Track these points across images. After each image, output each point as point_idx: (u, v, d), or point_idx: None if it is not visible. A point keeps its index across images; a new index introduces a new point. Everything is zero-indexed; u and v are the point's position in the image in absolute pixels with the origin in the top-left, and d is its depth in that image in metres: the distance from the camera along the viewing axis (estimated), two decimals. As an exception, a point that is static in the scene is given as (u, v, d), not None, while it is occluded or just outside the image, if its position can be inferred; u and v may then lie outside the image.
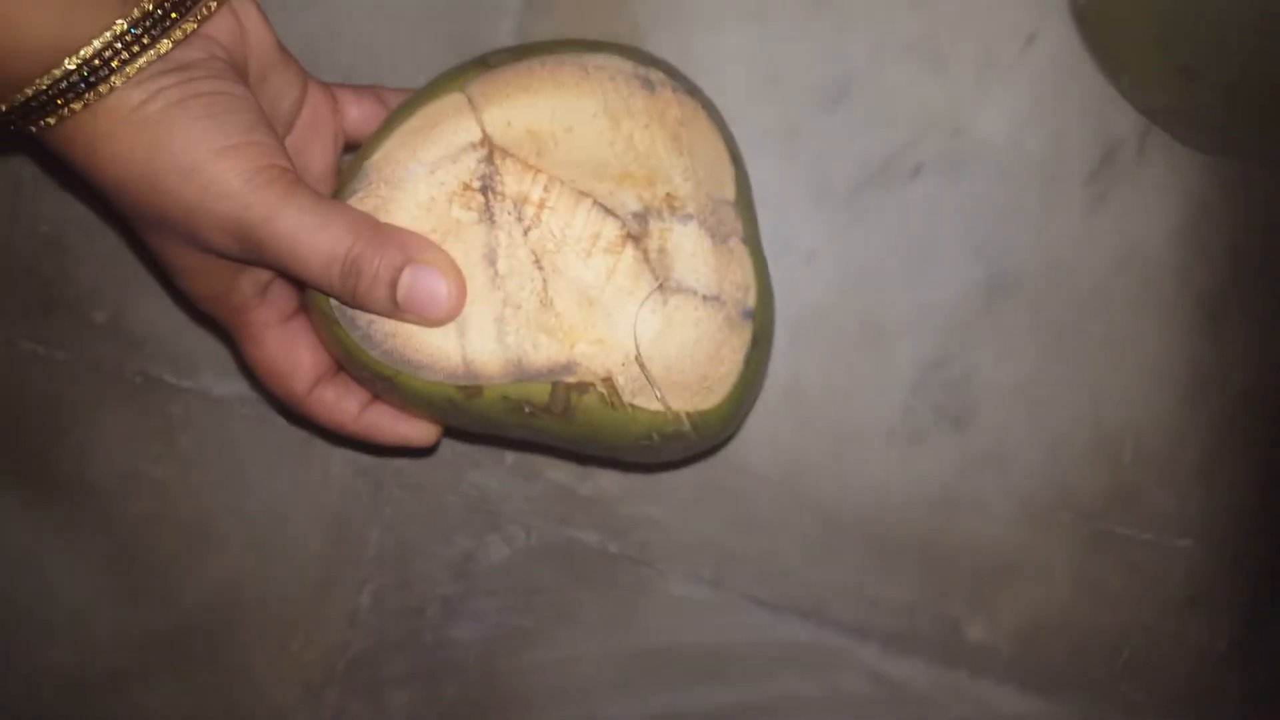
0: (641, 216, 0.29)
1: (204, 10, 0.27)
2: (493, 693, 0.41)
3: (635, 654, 0.41)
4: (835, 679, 0.41)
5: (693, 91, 0.30)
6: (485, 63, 0.29)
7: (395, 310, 0.28)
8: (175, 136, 0.26)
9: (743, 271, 0.29)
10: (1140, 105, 0.41)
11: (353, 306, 0.28)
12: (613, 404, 0.28)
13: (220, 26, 0.28)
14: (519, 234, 0.28)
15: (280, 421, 0.41)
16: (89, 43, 0.25)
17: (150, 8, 0.26)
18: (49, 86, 0.25)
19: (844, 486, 0.41)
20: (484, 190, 0.28)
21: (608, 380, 0.28)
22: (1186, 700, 0.41)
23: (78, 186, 0.34)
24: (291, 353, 0.31)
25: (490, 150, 0.28)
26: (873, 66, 0.40)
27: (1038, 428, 0.41)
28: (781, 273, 0.40)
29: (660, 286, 0.29)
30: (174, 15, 0.26)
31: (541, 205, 0.28)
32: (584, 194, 0.28)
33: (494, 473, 0.41)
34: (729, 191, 0.29)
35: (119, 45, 0.25)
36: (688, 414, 0.29)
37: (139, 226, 0.29)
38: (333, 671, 0.41)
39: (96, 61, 0.25)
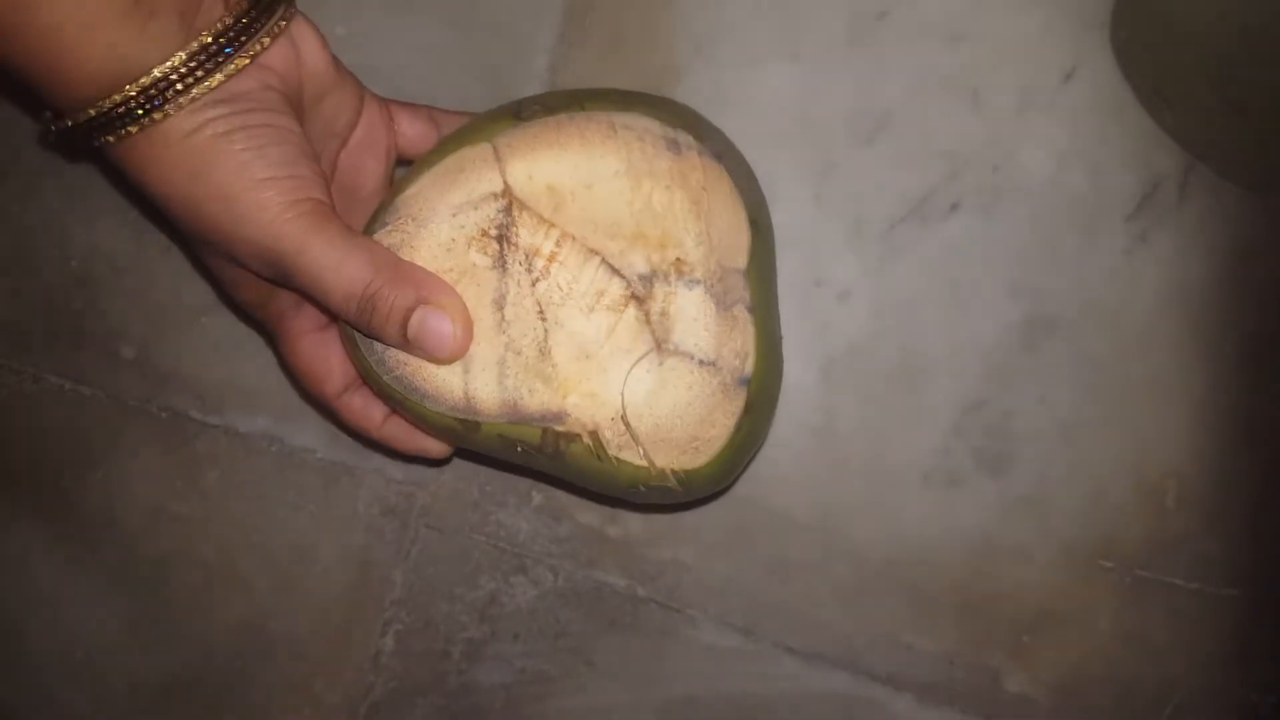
0: (648, 279, 0.29)
1: (258, 45, 0.28)
2: (517, 739, 0.40)
3: (662, 703, 0.40)
4: (869, 731, 0.40)
5: (721, 154, 0.30)
6: (519, 114, 0.30)
7: (405, 344, 0.29)
8: (218, 167, 0.28)
9: (743, 339, 0.30)
10: (1184, 141, 0.40)
11: (368, 336, 0.30)
12: (598, 455, 0.30)
13: (275, 56, 0.29)
14: (527, 284, 0.30)
15: (306, 459, 0.40)
16: (148, 72, 0.27)
17: (208, 41, 0.27)
18: (109, 109, 0.27)
19: (879, 531, 0.40)
20: (499, 239, 0.30)
21: (594, 433, 0.29)
22: (1234, 756, 0.40)
23: (135, 197, 0.35)
24: (324, 360, 0.33)
25: (509, 201, 0.29)
26: (909, 102, 0.40)
27: (1078, 472, 0.40)
28: (815, 310, 0.40)
29: (657, 348, 0.29)
30: (229, 50, 0.28)
31: (551, 258, 0.29)
32: (594, 251, 0.29)
33: (521, 514, 0.40)
34: (741, 260, 0.30)
35: (175, 77, 0.27)
36: (674, 471, 0.30)
37: (187, 238, 0.31)
38: (355, 714, 0.40)
39: (153, 90, 0.27)
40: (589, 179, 0.29)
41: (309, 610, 0.40)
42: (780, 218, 0.40)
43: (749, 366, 0.30)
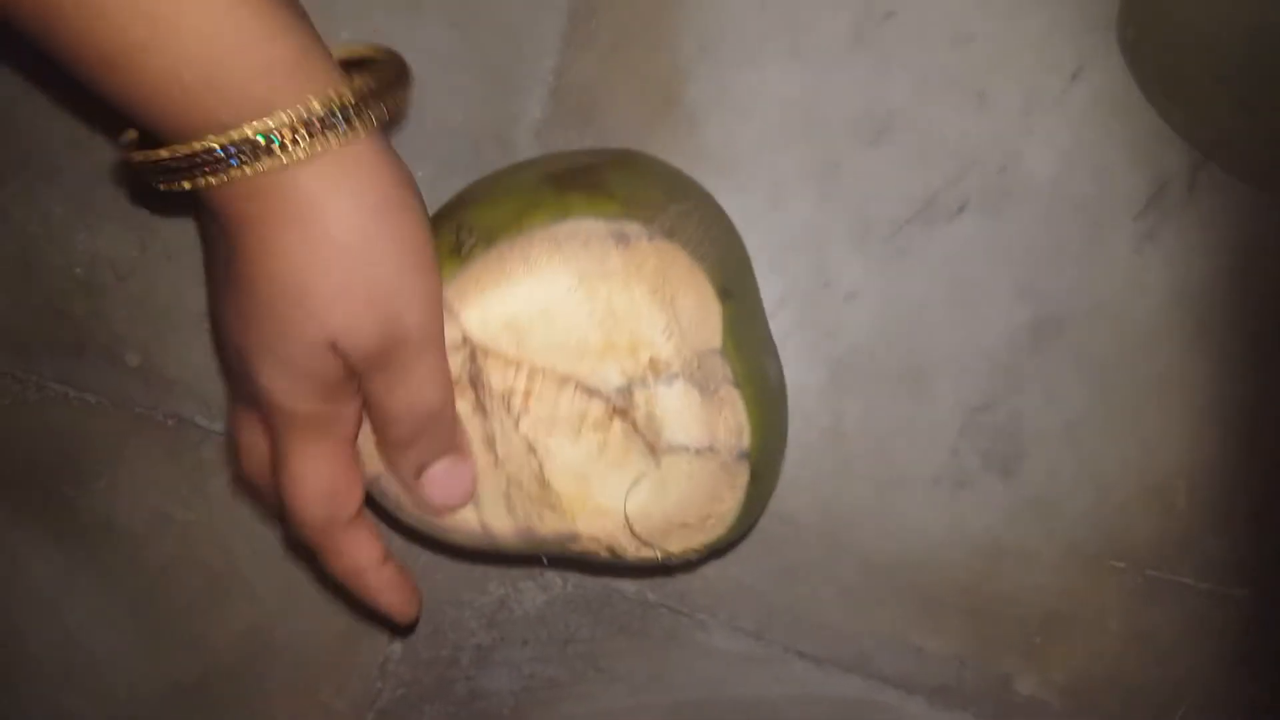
0: (626, 390, 0.29)
1: (398, 107, 0.27)
2: (526, 745, 0.40)
3: (672, 707, 0.40)
4: (880, 734, 0.39)
5: (672, 230, 0.28)
6: (458, 251, 0.29)
7: (420, 476, 0.29)
8: (379, 238, 0.26)
9: (735, 416, 0.29)
10: (1193, 139, 0.40)
11: (383, 455, 0.29)
12: (618, 559, 0.31)
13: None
14: (510, 424, 0.29)
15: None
16: (295, 107, 0.24)
17: (364, 90, 0.25)
18: (241, 140, 0.24)
19: (887, 534, 0.40)
20: (473, 385, 0.29)
21: (610, 547, 0.30)
22: (1245, 757, 0.40)
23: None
24: (346, 474, 0.29)
25: (472, 349, 0.29)
26: (915, 103, 0.40)
27: (1086, 473, 0.40)
28: (821, 312, 0.39)
29: (651, 451, 0.29)
30: (384, 107, 0.26)
31: (528, 394, 0.29)
32: (567, 377, 0.29)
33: (528, 518, 0.40)
34: (715, 339, 0.29)
35: (329, 118, 0.24)
36: (692, 549, 0.31)
37: (258, 300, 0.26)
38: (363, 721, 0.40)
39: (303, 128, 0.24)
40: (544, 303, 0.28)
41: (315, 616, 0.40)
42: (786, 219, 0.40)
43: (746, 439, 0.29)
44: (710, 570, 0.39)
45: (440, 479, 0.29)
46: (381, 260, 0.26)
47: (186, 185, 0.25)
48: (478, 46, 0.40)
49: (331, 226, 0.25)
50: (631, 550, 0.30)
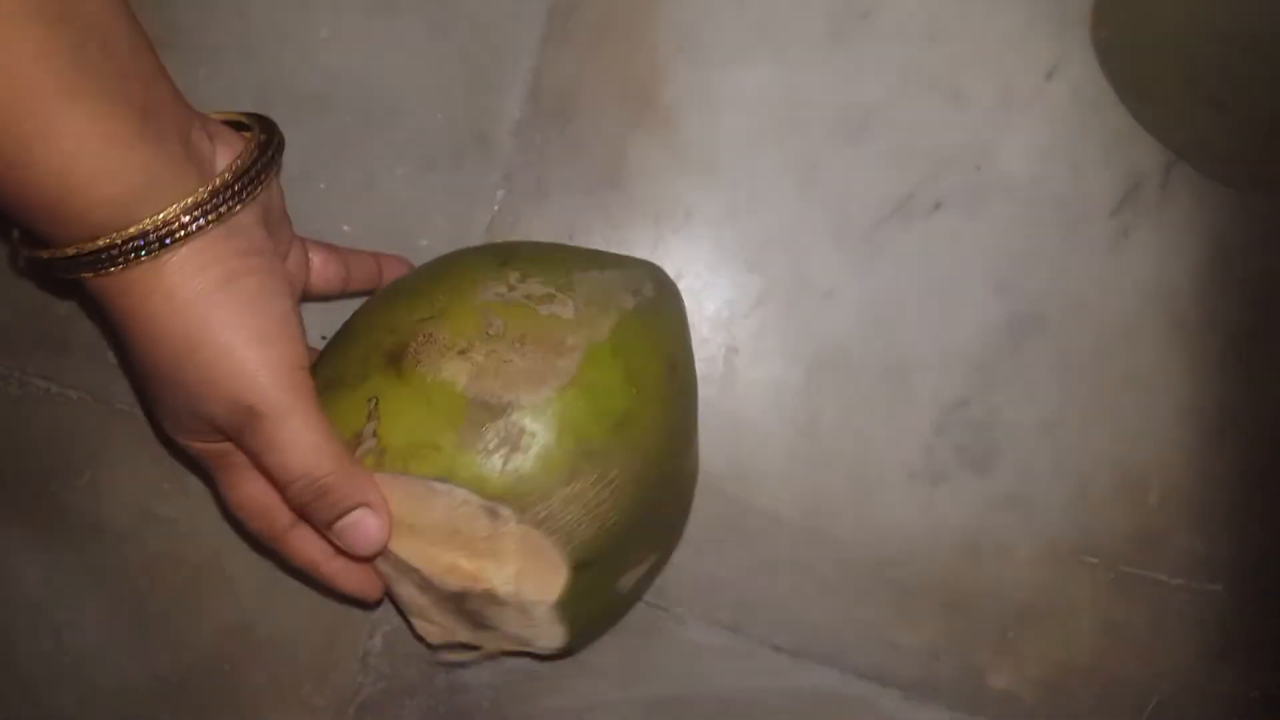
0: (460, 595, 0.32)
1: (264, 178, 0.29)
2: (506, 738, 0.40)
3: (650, 701, 0.40)
4: (855, 727, 0.40)
5: (543, 521, 0.30)
6: (359, 443, 0.31)
7: (328, 532, 0.30)
8: (216, 318, 0.27)
9: (554, 634, 0.32)
10: (1165, 138, 0.40)
11: (296, 512, 0.31)
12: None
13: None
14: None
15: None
16: (162, 209, 0.26)
17: (228, 179, 0.27)
18: (107, 246, 0.26)
19: (864, 529, 0.40)
20: None
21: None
22: (1217, 749, 0.40)
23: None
24: (270, 494, 0.32)
25: None
26: (892, 101, 0.40)
27: (1062, 469, 0.40)
28: (800, 309, 0.40)
29: (474, 625, 0.33)
30: (245, 189, 0.28)
31: (385, 553, 0.32)
32: (414, 568, 0.31)
33: (507, 513, 0.40)
34: (551, 596, 0.31)
35: (188, 217, 0.26)
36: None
37: (145, 371, 0.29)
38: (344, 715, 0.40)
39: (163, 229, 0.26)
40: (414, 520, 0.31)
41: (297, 612, 0.40)
42: (764, 217, 0.40)
43: (559, 642, 0.33)
44: (688, 565, 0.40)
45: (347, 533, 0.30)
46: (212, 344, 0.27)
47: (70, 277, 0.27)
48: (456, 46, 0.40)
49: (164, 322, 0.27)
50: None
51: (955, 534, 0.40)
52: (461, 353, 0.30)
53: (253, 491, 0.32)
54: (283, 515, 0.32)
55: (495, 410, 0.30)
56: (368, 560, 0.32)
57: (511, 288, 0.32)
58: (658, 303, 0.34)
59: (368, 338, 0.32)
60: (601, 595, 0.33)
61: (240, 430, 0.28)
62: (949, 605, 0.40)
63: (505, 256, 0.33)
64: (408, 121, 0.40)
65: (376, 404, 0.30)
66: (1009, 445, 0.40)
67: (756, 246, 0.40)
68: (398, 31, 0.40)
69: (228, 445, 0.31)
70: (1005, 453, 0.40)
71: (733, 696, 0.40)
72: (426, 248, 0.40)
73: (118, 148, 0.25)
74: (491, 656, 0.36)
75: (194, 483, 0.41)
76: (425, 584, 0.32)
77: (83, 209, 0.25)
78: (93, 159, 0.24)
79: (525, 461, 0.30)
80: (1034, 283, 0.40)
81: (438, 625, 0.34)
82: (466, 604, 0.32)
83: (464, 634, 0.34)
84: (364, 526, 0.30)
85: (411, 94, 0.40)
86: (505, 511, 0.30)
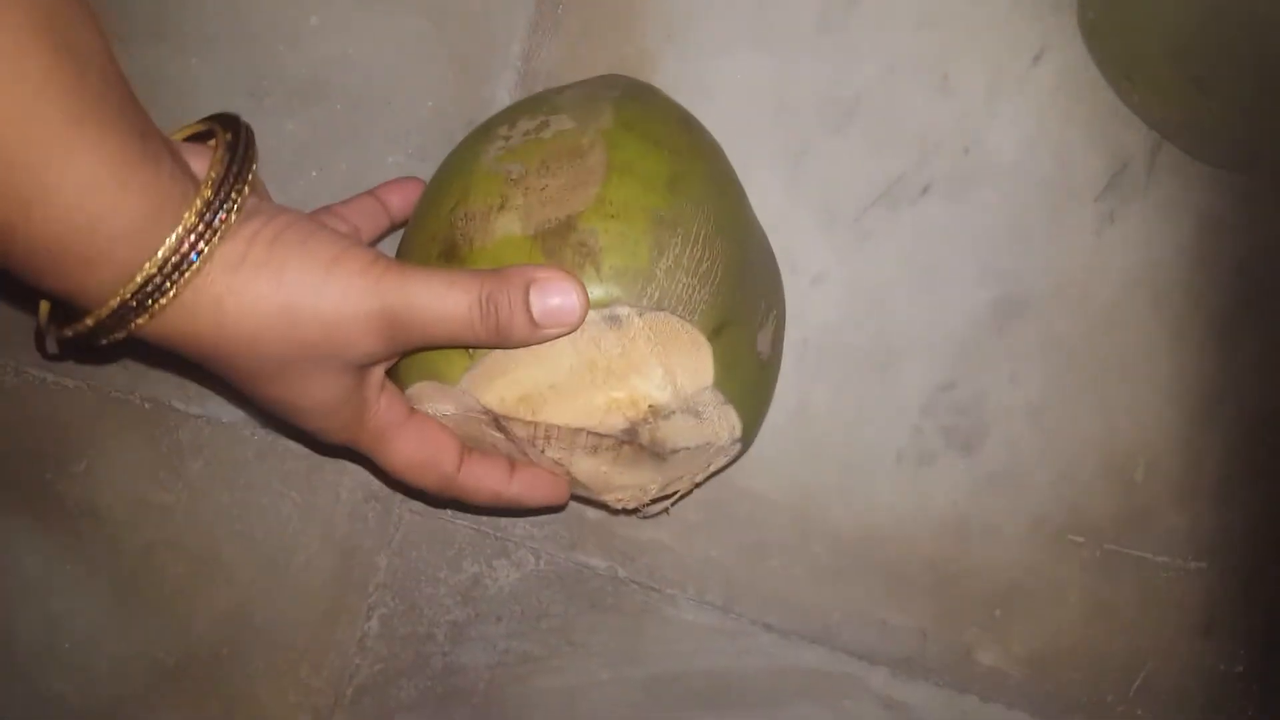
0: (630, 429, 0.32)
1: (253, 167, 0.29)
2: (501, 719, 0.41)
3: (644, 680, 0.40)
4: (845, 705, 0.40)
5: (660, 300, 0.31)
6: (468, 353, 0.31)
7: (535, 332, 0.29)
8: (291, 265, 0.27)
9: (728, 421, 0.33)
10: (1151, 120, 0.40)
11: (501, 345, 0.30)
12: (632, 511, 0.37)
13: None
14: (535, 453, 0.34)
15: (289, 446, 0.41)
16: (180, 221, 0.26)
17: (218, 176, 0.27)
18: (150, 276, 0.26)
19: (853, 510, 0.40)
20: (500, 430, 0.33)
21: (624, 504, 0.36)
22: (1202, 724, 0.41)
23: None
24: (431, 438, 0.33)
25: (494, 417, 0.32)
26: (880, 87, 0.40)
27: (1048, 449, 0.41)
28: (789, 294, 0.40)
29: (658, 456, 0.33)
30: (238, 180, 0.28)
31: (547, 439, 0.33)
32: (579, 429, 0.32)
33: (501, 498, 0.41)
34: (707, 376, 0.31)
35: (204, 225, 0.26)
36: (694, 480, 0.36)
37: (263, 382, 0.29)
38: (340, 697, 0.41)
39: (194, 237, 0.26)
40: (551, 379, 0.31)
41: (294, 596, 0.41)
42: (754, 203, 0.40)
43: (738, 431, 0.33)
44: (680, 546, 0.40)
45: (542, 310, 0.29)
46: (305, 285, 0.27)
47: (121, 335, 0.27)
48: (447, 34, 0.40)
49: (256, 308, 0.27)
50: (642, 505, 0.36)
51: (943, 514, 0.40)
52: (501, 208, 0.31)
53: (410, 450, 0.32)
54: (447, 460, 0.33)
55: (561, 231, 0.30)
56: (582, 321, 0.31)
57: (508, 137, 0.33)
58: (637, 84, 0.36)
59: (419, 254, 0.32)
60: (749, 360, 0.33)
61: (394, 336, 0.29)
62: (937, 584, 0.40)
63: (487, 126, 0.34)
64: (399, 109, 0.40)
65: None
66: (996, 426, 0.40)
67: (746, 231, 0.40)
68: (388, 20, 0.40)
69: (374, 412, 0.31)
70: (992, 434, 0.41)
71: (723, 674, 0.40)
72: (418, 235, 0.40)
73: (127, 171, 0.24)
74: (688, 494, 0.37)
75: (189, 469, 0.41)
76: (596, 444, 0.32)
77: (108, 242, 0.25)
78: (108, 186, 0.24)
79: (612, 257, 0.30)
80: (1021, 266, 0.40)
81: (629, 487, 0.34)
82: (640, 438, 0.32)
83: (654, 483, 0.34)
84: (552, 297, 0.29)
85: (402, 82, 0.40)
86: (623, 310, 0.30)
